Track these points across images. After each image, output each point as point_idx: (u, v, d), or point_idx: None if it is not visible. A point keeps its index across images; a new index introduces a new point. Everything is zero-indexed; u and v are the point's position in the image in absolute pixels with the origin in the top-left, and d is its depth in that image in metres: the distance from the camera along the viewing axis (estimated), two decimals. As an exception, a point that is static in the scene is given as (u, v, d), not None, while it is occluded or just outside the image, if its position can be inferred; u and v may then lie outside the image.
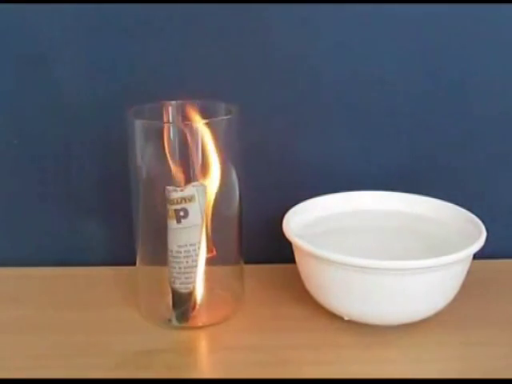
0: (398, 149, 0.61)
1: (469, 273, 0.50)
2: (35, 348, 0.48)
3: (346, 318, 0.50)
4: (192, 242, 0.48)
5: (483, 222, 0.51)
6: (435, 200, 0.56)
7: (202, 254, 0.49)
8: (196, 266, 0.48)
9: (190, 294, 0.49)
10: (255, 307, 0.53)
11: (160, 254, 0.51)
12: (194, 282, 0.49)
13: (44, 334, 0.50)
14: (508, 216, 0.62)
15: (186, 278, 0.49)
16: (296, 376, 0.45)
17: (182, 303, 0.49)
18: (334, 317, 0.51)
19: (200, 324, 0.51)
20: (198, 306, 0.50)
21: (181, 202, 0.47)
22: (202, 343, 0.50)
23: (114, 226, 0.62)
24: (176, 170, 0.48)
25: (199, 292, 0.50)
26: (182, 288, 0.49)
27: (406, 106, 0.59)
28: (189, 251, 0.48)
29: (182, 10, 0.56)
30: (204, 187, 0.47)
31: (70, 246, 0.62)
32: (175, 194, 0.47)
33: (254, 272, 0.56)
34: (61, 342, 0.49)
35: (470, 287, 0.51)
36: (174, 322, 0.50)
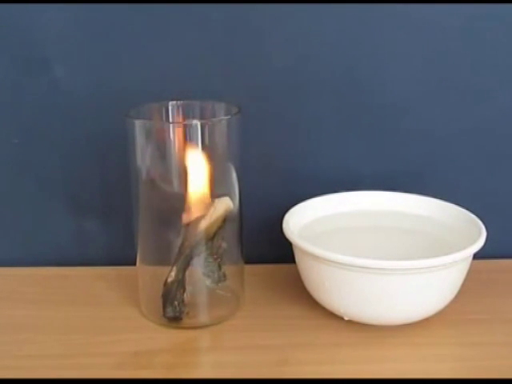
0: (398, 149, 0.61)
1: (469, 273, 0.50)
2: (35, 348, 0.48)
3: (346, 318, 0.50)
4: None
5: (483, 222, 0.51)
6: (435, 200, 0.56)
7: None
8: (177, 258, 0.49)
9: (172, 284, 0.49)
10: (255, 307, 0.53)
11: (160, 253, 0.51)
12: (173, 270, 0.49)
13: (44, 334, 0.50)
14: (508, 216, 0.62)
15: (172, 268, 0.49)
16: (296, 376, 0.45)
17: (166, 293, 0.50)
18: (333, 317, 0.51)
19: (200, 324, 0.51)
20: (187, 300, 0.50)
21: None
22: (202, 343, 0.50)
23: (114, 225, 0.62)
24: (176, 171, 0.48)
25: (188, 286, 0.50)
26: (168, 277, 0.49)
27: (406, 107, 0.59)
28: None
29: (182, 10, 0.56)
30: (227, 202, 0.48)
31: (70, 246, 0.62)
32: None
33: (254, 272, 0.56)
34: (61, 342, 0.49)
35: (470, 287, 0.51)
36: (166, 315, 0.50)
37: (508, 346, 0.48)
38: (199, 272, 0.50)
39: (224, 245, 0.49)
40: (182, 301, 0.50)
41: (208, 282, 0.49)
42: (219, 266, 0.49)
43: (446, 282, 0.48)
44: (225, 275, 0.50)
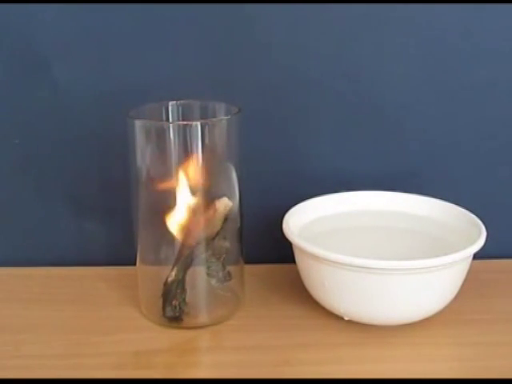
0: (398, 149, 0.61)
1: (469, 273, 0.50)
2: (35, 348, 0.48)
3: (346, 318, 0.50)
4: None
5: (483, 222, 0.51)
6: (435, 200, 0.56)
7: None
8: (178, 258, 0.49)
9: (172, 283, 0.49)
10: (255, 307, 0.53)
11: (160, 254, 0.51)
12: (173, 270, 0.49)
13: (44, 334, 0.50)
14: (508, 216, 0.62)
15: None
16: (296, 376, 0.45)
17: (166, 293, 0.50)
18: (333, 317, 0.51)
19: (200, 324, 0.51)
20: (187, 300, 0.50)
21: None
22: (202, 343, 0.50)
23: (114, 226, 0.62)
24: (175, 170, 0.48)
25: (188, 287, 0.50)
26: (169, 276, 0.49)
27: (407, 107, 0.59)
28: None
29: (182, 10, 0.56)
30: (226, 202, 0.48)
31: (70, 246, 0.62)
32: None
33: (254, 272, 0.56)
34: (61, 342, 0.49)
35: (470, 287, 0.51)
36: (166, 314, 0.50)
37: (508, 346, 0.48)
38: (200, 272, 0.50)
39: (226, 244, 0.49)
40: (183, 300, 0.50)
41: (213, 281, 0.49)
42: (223, 266, 0.49)
43: (446, 282, 0.48)
44: (230, 274, 0.49)
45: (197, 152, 0.48)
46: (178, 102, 0.52)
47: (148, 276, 0.53)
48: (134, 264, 0.52)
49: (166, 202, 0.49)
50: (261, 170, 0.59)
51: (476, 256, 0.49)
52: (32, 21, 0.56)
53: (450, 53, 0.58)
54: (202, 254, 0.49)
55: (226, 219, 0.49)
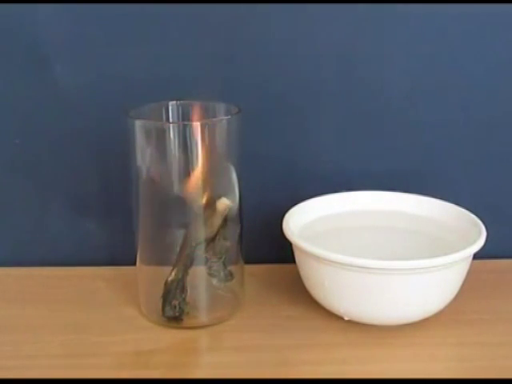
0: (398, 149, 0.61)
1: (469, 273, 0.50)
2: (35, 348, 0.48)
3: (346, 318, 0.50)
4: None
5: (483, 222, 0.51)
6: (435, 200, 0.56)
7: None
8: (178, 258, 0.49)
9: (172, 283, 0.49)
10: (255, 307, 0.53)
11: (160, 254, 0.51)
12: (173, 270, 0.49)
13: (44, 334, 0.50)
14: (508, 216, 0.62)
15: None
16: (296, 376, 0.45)
17: (166, 292, 0.50)
18: (333, 317, 0.51)
19: (200, 324, 0.51)
20: (187, 300, 0.50)
21: None
22: (202, 343, 0.50)
23: (114, 225, 0.62)
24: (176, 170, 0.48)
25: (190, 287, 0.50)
26: (169, 276, 0.49)
27: (407, 107, 0.59)
28: None
29: (182, 9, 0.56)
30: (226, 202, 0.48)
31: (70, 246, 0.62)
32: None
33: (253, 272, 0.56)
34: (61, 342, 0.49)
35: (470, 287, 0.51)
36: (165, 314, 0.50)
37: (508, 346, 0.48)
38: (200, 272, 0.50)
39: (227, 244, 0.49)
40: (183, 300, 0.50)
41: (214, 281, 0.49)
42: (224, 265, 0.49)
43: (446, 282, 0.48)
44: (231, 273, 0.49)
45: (197, 152, 0.48)
46: (178, 102, 0.52)
47: (148, 276, 0.53)
48: (134, 264, 0.52)
49: (166, 201, 0.49)
50: (261, 170, 0.59)
51: (476, 256, 0.49)
52: (32, 21, 0.56)
53: (451, 54, 0.58)
54: (202, 253, 0.49)
55: (225, 219, 0.49)
